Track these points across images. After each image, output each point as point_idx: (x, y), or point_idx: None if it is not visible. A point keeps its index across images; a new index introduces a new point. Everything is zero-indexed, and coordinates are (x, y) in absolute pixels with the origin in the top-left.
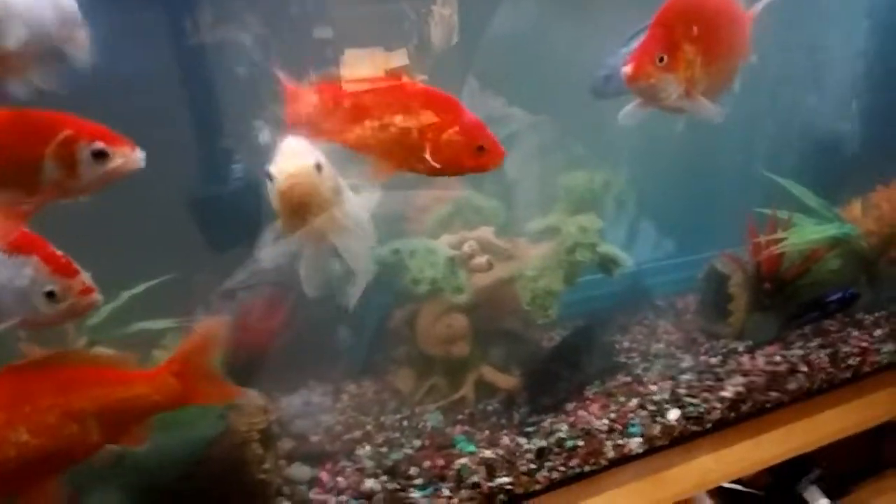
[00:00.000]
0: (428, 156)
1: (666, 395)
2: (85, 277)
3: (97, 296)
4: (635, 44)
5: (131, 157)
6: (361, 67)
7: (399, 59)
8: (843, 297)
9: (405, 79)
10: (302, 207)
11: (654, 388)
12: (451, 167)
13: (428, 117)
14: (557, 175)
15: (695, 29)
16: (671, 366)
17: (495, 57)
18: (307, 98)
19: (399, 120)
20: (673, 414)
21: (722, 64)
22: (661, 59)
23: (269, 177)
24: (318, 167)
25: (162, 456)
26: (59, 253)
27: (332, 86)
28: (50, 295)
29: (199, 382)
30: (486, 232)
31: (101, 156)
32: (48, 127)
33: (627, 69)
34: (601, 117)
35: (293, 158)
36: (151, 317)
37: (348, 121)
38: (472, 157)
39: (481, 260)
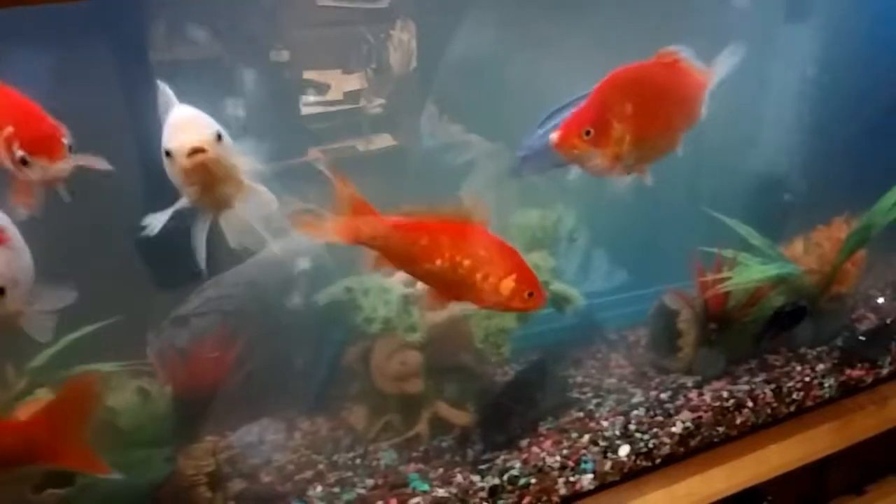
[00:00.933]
0: (485, 296)
1: (617, 431)
2: None
3: None
4: (551, 124)
5: (61, 166)
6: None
7: (357, 82)
8: (795, 308)
9: (476, 223)
10: (210, 185)
11: (605, 423)
12: (501, 306)
13: (494, 264)
14: (512, 204)
15: (629, 107)
16: (623, 401)
17: (454, 83)
18: (374, 223)
19: (467, 263)
20: (623, 450)
21: (658, 139)
22: (588, 133)
23: (167, 153)
24: (220, 136)
25: (107, 501)
26: None
27: (410, 222)
28: None
29: (66, 443)
30: None
31: (23, 163)
32: None
33: (554, 136)
34: None
35: (192, 130)
36: (98, 358)
37: (422, 257)
38: (522, 301)
39: None
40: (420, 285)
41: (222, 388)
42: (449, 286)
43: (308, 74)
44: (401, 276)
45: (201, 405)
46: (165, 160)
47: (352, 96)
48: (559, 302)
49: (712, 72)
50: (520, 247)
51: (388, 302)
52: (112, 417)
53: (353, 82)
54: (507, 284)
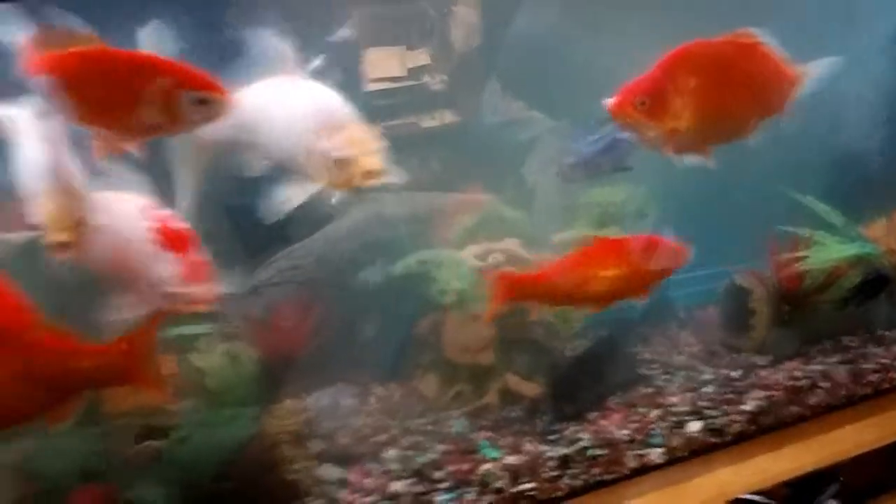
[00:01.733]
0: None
1: (687, 407)
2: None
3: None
4: (599, 133)
5: (226, 103)
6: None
7: (419, 58)
8: (878, 275)
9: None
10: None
11: (675, 399)
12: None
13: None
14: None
15: (691, 82)
16: (693, 378)
17: (517, 60)
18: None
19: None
20: (694, 426)
21: (724, 121)
22: (643, 103)
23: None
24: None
25: (197, 455)
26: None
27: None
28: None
29: (139, 368)
30: (512, 244)
31: (202, 102)
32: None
33: (608, 102)
34: None
35: (368, 147)
36: (191, 321)
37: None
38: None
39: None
40: (492, 258)
41: (302, 353)
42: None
43: (372, 51)
44: (474, 249)
45: (284, 369)
46: (326, 158)
47: (415, 73)
48: None
49: (806, 71)
50: (590, 223)
51: (462, 275)
52: (202, 378)
53: (417, 59)
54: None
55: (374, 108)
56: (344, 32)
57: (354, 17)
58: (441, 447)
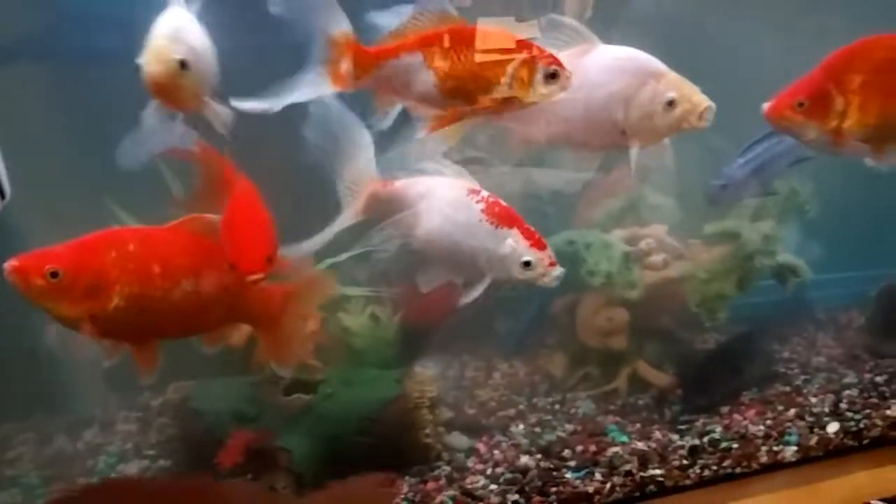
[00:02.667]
0: None
1: (826, 408)
2: (551, 252)
3: (559, 269)
4: (750, 155)
5: (569, 80)
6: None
7: (529, 30)
8: None
9: None
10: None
11: (813, 399)
12: None
13: None
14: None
15: (857, 80)
16: (833, 380)
17: (634, 35)
18: None
19: None
20: (832, 426)
21: None
22: (801, 105)
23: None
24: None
25: (344, 410)
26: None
27: None
28: (526, 264)
29: (286, 318)
30: (660, 230)
31: (553, 76)
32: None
33: (765, 106)
34: None
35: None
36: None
37: None
38: None
39: (658, 258)
40: (644, 244)
41: (441, 323)
42: None
43: (481, 21)
44: (620, 233)
45: (423, 336)
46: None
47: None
48: (785, 273)
49: None
50: (744, 215)
51: (611, 258)
52: (349, 338)
53: (527, 31)
54: None
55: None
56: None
57: None
58: (568, 427)
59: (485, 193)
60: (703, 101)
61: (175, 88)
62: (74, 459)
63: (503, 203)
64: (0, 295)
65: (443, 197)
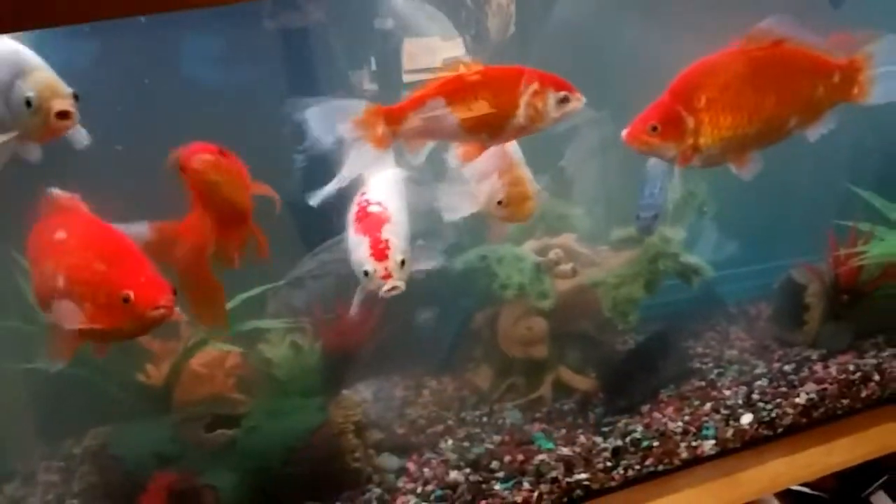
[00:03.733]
0: None
1: (740, 400)
2: (390, 265)
3: (390, 283)
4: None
5: (581, 101)
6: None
7: (455, 48)
8: None
9: None
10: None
11: (727, 392)
12: None
13: None
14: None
15: (702, 98)
16: (745, 372)
17: (554, 49)
18: None
19: None
20: (746, 418)
21: (759, 127)
22: (655, 129)
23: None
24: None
25: (269, 442)
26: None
27: None
28: (365, 273)
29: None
30: (569, 239)
31: (564, 100)
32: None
33: (623, 133)
34: None
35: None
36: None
37: None
38: None
39: (566, 267)
40: (552, 254)
41: (362, 346)
42: None
43: (409, 42)
44: (532, 245)
45: (345, 360)
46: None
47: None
48: (688, 274)
49: (862, 58)
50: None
51: (522, 269)
52: (271, 369)
53: (453, 49)
54: None
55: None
56: (382, 22)
57: (391, 7)
58: (496, 438)
59: (367, 196)
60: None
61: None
62: None
63: (373, 208)
64: None
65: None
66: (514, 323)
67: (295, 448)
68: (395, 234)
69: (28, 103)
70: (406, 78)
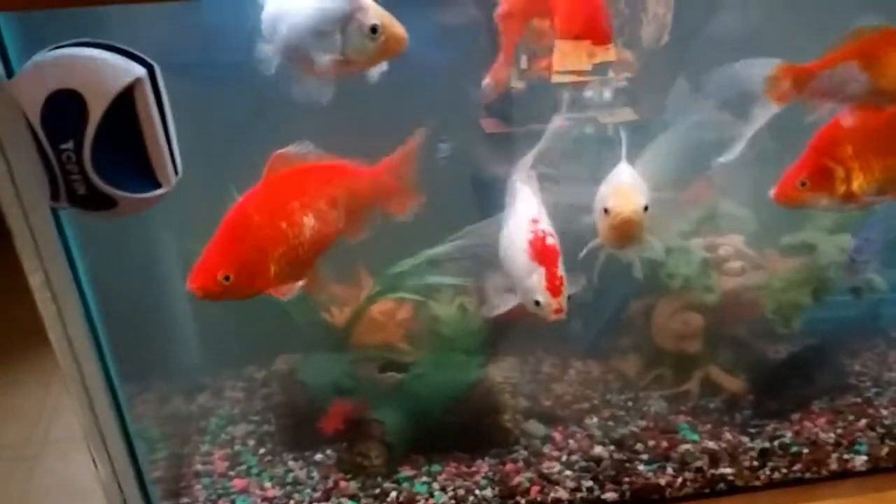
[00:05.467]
0: None
1: None
2: (562, 300)
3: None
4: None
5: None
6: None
7: (605, 54)
8: None
9: None
10: (629, 241)
11: (885, 412)
12: None
13: None
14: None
15: (849, 149)
16: None
17: (708, 60)
18: None
19: None
20: None
21: None
22: (803, 184)
23: (605, 210)
24: (646, 208)
25: (432, 390)
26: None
27: None
28: (536, 303)
29: (402, 187)
30: (736, 240)
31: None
32: None
33: (771, 193)
34: None
35: (630, 199)
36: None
37: None
38: None
39: (736, 264)
40: (722, 250)
41: (521, 318)
42: None
43: (559, 43)
44: (699, 242)
45: (505, 329)
46: (601, 213)
47: (600, 68)
48: (860, 287)
49: None
50: (821, 227)
51: (690, 262)
52: (438, 325)
53: (602, 54)
54: None
55: (556, 100)
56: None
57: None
58: (640, 423)
59: (541, 226)
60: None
61: None
62: (189, 419)
63: (549, 241)
64: (132, 276)
65: (518, 219)
66: (671, 316)
67: (455, 398)
68: (564, 268)
69: (374, 30)
70: (554, 79)
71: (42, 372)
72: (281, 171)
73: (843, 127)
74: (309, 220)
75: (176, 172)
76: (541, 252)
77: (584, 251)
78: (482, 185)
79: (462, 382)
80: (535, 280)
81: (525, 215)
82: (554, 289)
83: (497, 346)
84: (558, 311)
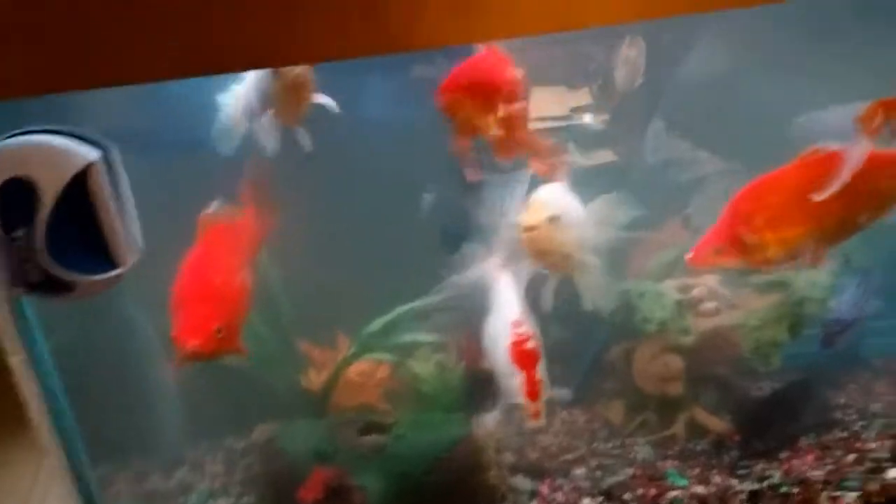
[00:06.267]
0: None
1: (886, 454)
2: (541, 405)
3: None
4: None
5: None
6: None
7: (581, 98)
8: None
9: None
10: (545, 253)
11: (873, 445)
12: None
13: None
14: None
15: (761, 218)
16: (892, 425)
17: (684, 100)
18: None
19: None
20: (893, 472)
21: (825, 231)
22: (719, 252)
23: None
24: (553, 219)
25: (415, 451)
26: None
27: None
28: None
29: None
30: (711, 280)
31: None
32: None
33: (688, 256)
34: None
35: (536, 211)
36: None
37: None
38: None
39: (711, 305)
40: (696, 291)
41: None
42: None
43: (535, 90)
44: (673, 283)
45: (486, 382)
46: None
47: (576, 112)
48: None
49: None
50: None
51: (665, 305)
52: (418, 384)
53: (579, 98)
54: None
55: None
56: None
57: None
58: (628, 471)
59: (522, 329)
60: None
61: None
62: (168, 496)
63: (529, 345)
64: (100, 353)
65: (501, 317)
66: (651, 359)
67: (438, 457)
68: (544, 371)
69: None
70: (532, 125)
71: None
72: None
73: (756, 196)
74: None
75: (136, 251)
76: (520, 356)
77: (527, 281)
78: (453, 238)
79: (445, 440)
80: (515, 384)
81: (507, 315)
82: (532, 393)
83: (479, 401)
84: (536, 414)
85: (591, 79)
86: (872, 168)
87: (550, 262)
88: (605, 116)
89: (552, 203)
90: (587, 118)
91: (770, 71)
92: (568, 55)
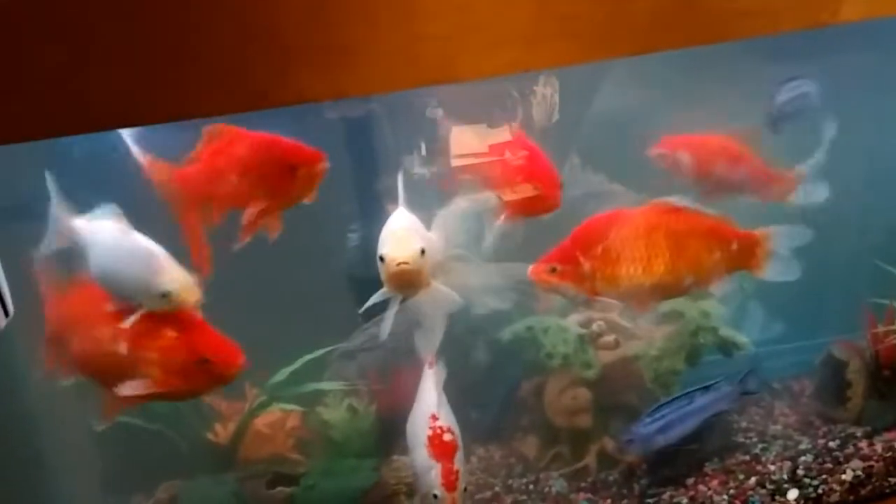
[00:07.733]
0: None
1: (785, 475)
2: (457, 496)
3: None
4: (660, 413)
5: None
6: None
7: (501, 135)
8: None
9: None
10: (409, 287)
11: (772, 467)
12: None
13: None
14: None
15: (599, 248)
16: (790, 447)
17: (597, 135)
18: None
19: None
20: (792, 493)
21: (651, 280)
22: (553, 270)
23: (381, 258)
24: (423, 252)
25: (325, 501)
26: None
27: None
28: (434, 496)
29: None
30: (612, 312)
31: None
32: None
33: (528, 270)
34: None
35: (403, 244)
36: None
37: None
38: None
39: (609, 339)
40: (595, 326)
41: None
42: None
43: (456, 129)
44: (576, 317)
45: (397, 425)
46: (379, 264)
47: (496, 149)
48: (728, 347)
49: (761, 234)
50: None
51: (567, 340)
52: (328, 430)
53: (497, 136)
54: None
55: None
56: (434, 112)
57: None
58: None
59: (440, 422)
60: None
61: None
62: None
63: (447, 437)
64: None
65: (422, 410)
66: (560, 393)
67: None
68: (461, 461)
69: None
70: (454, 163)
71: None
72: None
73: (603, 225)
74: None
75: (6, 314)
76: (438, 448)
77: (369, 303)
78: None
79: (355, 489)
80: (433, 476)
81: (426, 409)
82: (449, 484)
83: (390, 445)
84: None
85: (510, 117)
86: (707, 235)
87: (414, 291)
88: (524, 152)
89: (416, 232)
90: (507, 154)
91: (668, 106)
92: (486, 94)
